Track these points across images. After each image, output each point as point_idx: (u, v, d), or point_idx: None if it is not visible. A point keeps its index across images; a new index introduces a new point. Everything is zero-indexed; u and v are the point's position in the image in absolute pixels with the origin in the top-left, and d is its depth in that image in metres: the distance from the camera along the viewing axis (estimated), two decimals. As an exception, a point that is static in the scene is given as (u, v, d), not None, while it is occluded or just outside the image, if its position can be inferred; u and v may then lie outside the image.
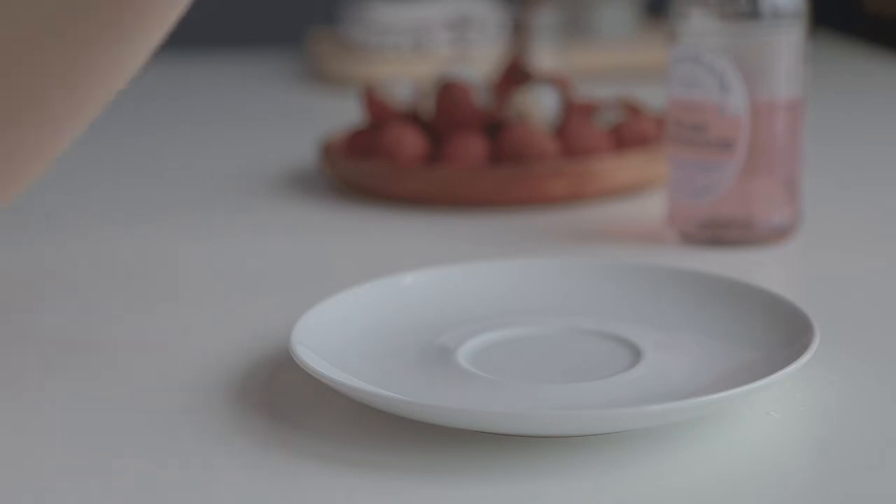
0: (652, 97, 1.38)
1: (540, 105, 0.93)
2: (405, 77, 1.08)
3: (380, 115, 0.99)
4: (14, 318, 0.70)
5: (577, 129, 0.93)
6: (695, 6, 0.75)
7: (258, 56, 1.82)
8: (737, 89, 0.74)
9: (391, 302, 0.62)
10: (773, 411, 0.53)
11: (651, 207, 0.89)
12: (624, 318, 0.62)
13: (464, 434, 0.50)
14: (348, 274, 0.73)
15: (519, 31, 1.62)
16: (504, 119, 0.95)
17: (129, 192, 1.00)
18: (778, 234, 0.78)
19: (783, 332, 0.56)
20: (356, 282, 0.65)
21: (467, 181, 0.88)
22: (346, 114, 1.25)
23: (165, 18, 0.54)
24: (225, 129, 1.31)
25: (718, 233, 0.77)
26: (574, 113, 0.98)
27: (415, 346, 0.58)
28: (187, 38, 2.08)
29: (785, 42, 0.75)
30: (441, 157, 0.92)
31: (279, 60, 1.77)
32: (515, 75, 1.06)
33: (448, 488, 0.47)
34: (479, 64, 1.49)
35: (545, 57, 1.46)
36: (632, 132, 0.95)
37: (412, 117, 0.98)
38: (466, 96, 0.94)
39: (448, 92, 0.94)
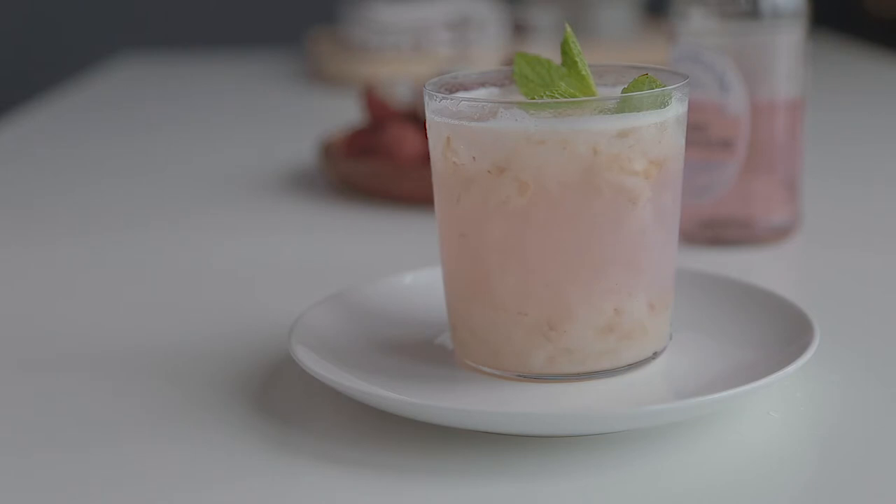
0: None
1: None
2: (405, 77, 1.07)
3: (380, 115, 0.99)
4: (10, 318, 0.70)
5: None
6: (695, 6, 0.75)
7: (258, 56, 1.82)
8: (737, 89, 0.74)
9: (391, 302, 0.62)
10: (773, 411, 0.53)
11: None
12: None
13: (464, 434, 0.50)
14: (348, 274, 0.73)
15: (519, 31, 1.62)
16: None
17: (127, 192, 1.00)
18: (778, 234, 0.78)
19: (783, 332, 0.56)
20: (356, 282, 0.65)
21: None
22: (346, 114, 1.25)
23: None
24: (225, 128, 1.31)
25: (718, 232, 0.77)
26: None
27: (415, 346, 0.58)
28: (187, 38, 2.08)
29: (785, 42, 0.75)
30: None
31: (279, 60, 1.77)
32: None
33: (448, 488, 0.47)
34: (479, 64, 1.49)
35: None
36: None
37: (412, 117, 0.98)
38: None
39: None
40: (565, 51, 0.55)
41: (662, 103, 0.52)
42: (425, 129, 0.57)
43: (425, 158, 0.93)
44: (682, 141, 0.55)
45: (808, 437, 0.51)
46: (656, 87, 0.52)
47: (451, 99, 0.54)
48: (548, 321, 0.53)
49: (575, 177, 0.51)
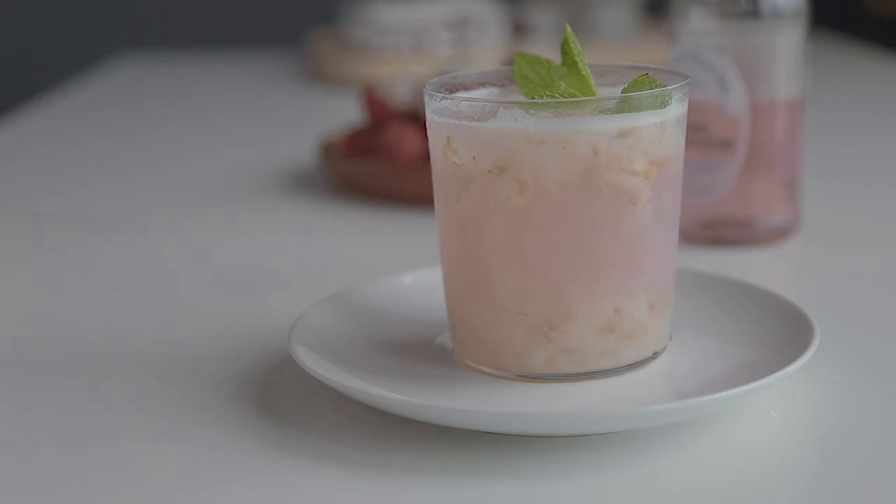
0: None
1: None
2: (405, 77, 1.07)
3: (380, 115, 0.99)
4: (8, 321, 0.70)
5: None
6: (695, 6, 0.75)
7: (258, 56, 1.82)
8: (737, 89, 0.74)
9: (391, 302, 0.62)
10: (773, 411, 0.53)
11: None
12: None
13: (464, 434, 0.50)
14: (348, 274, 0.73)
15: (519, 31, 1.62)
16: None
17: (127, 192, 1.00)
18: (778, 234, 0.78)
19: (783, 332, 0.56)
20: (356, 282, 0.65)
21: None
22: (346, 114, 1.25)
23: None
24: (225, 128, 1.31)
25: (718, 233, 0.77)
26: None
27: (415, 346, 0.58)
28: (187, 38, 2.08)
29: (785, 42, 0.75)
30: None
31: (279, 60, 1.77)
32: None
33: (448, 488, 0.47)
34: (479, 64, 1.49)
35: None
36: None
37: (412, 117, 0.98)
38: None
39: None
40: (565, 51, 0.55)
41: (662, 103, 0.52)
42: (425, 129, 0.57)
43: (425, 158, 0.93)
44: (682, 141, 0.55)
45: (808, 437, 0.51)
46: (656, 87, 0.52)
47: (451, 99, 0.54)
48: (548, 321, 0.53)
49: (575, 177, 0.51)
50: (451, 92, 0.57)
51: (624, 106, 0.51)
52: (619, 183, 0.52)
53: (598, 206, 0.52)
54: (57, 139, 1.26)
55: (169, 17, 2.15)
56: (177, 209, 0.94)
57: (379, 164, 0.93)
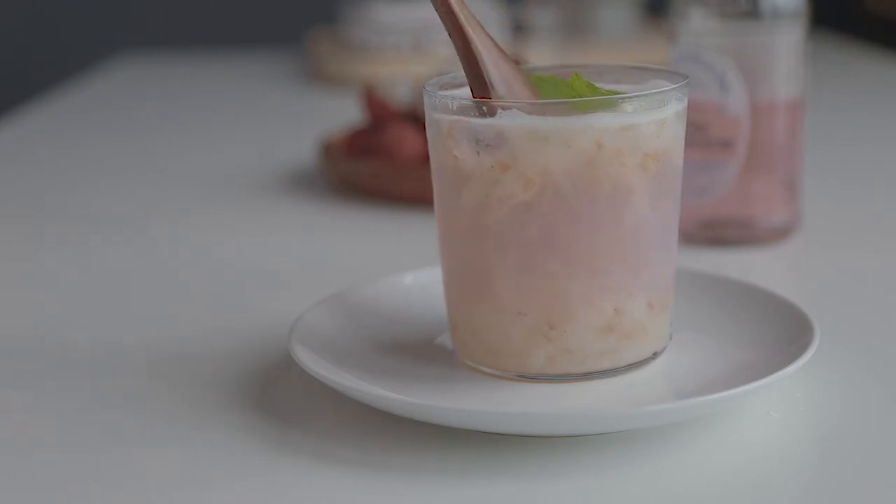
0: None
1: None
2: (405, 77, 1.08)
3: (380, 115, 0.99)
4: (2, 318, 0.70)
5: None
6: (695, 6, 0.75)
7: (258, 56, 1.82)
8: (737, 89, 0.74)
9: (391, 302, 0.62)
10: (773, 411, 0.53)
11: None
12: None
13: (464, 434, 0.50)
14: (348, 274, 0.73)
15: (519, 31, 1.62)
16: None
17: (127, 192, 1.00)
18: (778, 234, 0.78)
19: (783, 332, 0.56)
20: (356, 282, 0.65)
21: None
22: (346, 114, 1.25)
23: None
24: (225, 128, 1.31)
25: (718, 233, 0.77)
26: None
27: (415, 346, 0.58)
28: (187, 38, 2.08)
29: (785, 42, 0.75)
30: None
31: (279, 60, 1.77)
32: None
33: (448, 488, 0.47)
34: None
35: (545, 57, 1.46)
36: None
37: (412, 117, 0.98)
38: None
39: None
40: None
41: (617, 106, 0.52)
42: (425, 129, 0.57)
43: (425, 158, 0.93)
44: (682, 136, 0.55)
45: (808, 437, 0.51)
46: (586, 86, 0.53)
47: (451, 98, 0.54)
48: (548, 321, 0.53)
49: (576, 173, 0.51)
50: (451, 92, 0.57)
51: (622, 105, 0.52)
52: (619, 178, 0.52)
53: (598, 203, 0.52)
54: (57, 139, 1.26)
55: (169, 17, 2.15)
56: (177, 209, 0.94)
57: (379, 164, 0.93)
